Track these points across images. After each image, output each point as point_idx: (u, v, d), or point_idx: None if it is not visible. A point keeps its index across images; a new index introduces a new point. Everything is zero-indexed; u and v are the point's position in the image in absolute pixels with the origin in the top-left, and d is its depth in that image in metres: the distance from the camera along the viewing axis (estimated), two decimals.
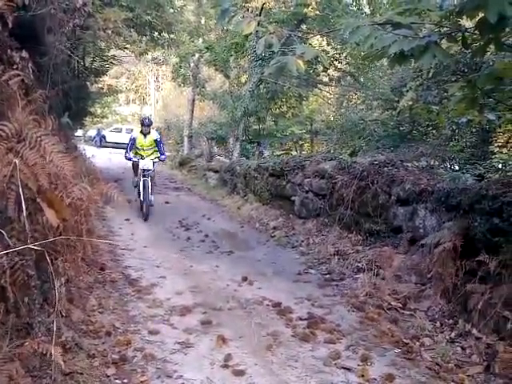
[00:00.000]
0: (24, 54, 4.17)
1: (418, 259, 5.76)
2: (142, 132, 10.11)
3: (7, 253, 2.88)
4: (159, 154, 10.25)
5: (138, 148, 10.16)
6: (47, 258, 3.15)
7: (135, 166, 10.36)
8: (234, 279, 6.15)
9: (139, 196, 9.98)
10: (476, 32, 3.68)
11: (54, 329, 3.21)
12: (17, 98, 3.60)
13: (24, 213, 3.08)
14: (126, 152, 10.12)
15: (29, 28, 4.80)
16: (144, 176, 9.80)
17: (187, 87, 24.06)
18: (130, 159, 10.22)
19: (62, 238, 3.53)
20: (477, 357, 4.04)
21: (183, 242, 8.18)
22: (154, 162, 10.07)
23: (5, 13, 3.72)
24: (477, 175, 8.09)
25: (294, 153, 20.83)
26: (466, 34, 3.83)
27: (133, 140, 10.12)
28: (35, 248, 2.97)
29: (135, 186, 10.44)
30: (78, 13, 6.04)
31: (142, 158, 10.04)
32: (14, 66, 3.96)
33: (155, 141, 10.18)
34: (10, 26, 3.86)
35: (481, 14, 3.32)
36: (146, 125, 10.07)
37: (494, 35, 3.54)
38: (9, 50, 4.05)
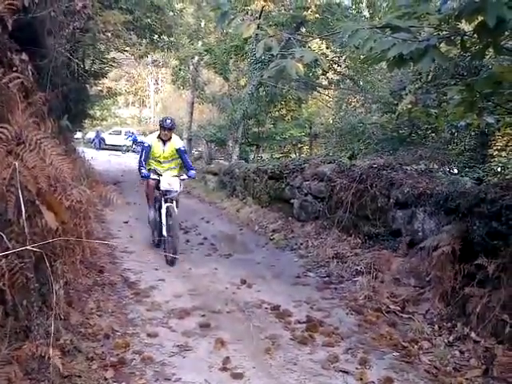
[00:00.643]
0: (24, 56, 4.17)
1: (416, 262, 5.75)
2: (160, 137, 7.36)
3: (6, 255, 2.88)
4: (186, 169, 7.59)
5: (153, 160, 7.49)
6: (46, 260, 3.15)
7: (150, 189, 7.41)
8: (233, 282, 6.15)
9: (161, 232, 7.14)
10: (475, 36, 3.69)
11: (52, 331, 3.20)
12: (17, 101, 3.60)
13: (23, 215, 3.08)
14: (141, 166, 7.27)
15: (28, 30, 4.81)
16: (167, 200, 7.07)
17: (187, 90, 24.13)
18: (146, 177, 7.24)
19: (60, 239, 3.53)
20: (475, 360, 4.03)
21: (182, 245, 8.14)
22: (181, 180, 7.29)
23: (5, 15, 3.72)
24: (476, 178, 8.11)
25: (292, 156, 20.88)
26: (465, 37, 3.84)
27: (147, 148, 7.38)
28: (34, 250, 2.96)
29: (151, 221, 7.64)
30: (78, 15, 6.05)
31: (160, 174, 7.36)
32: (14, 69, 3.97)
33: (178, 150, 7.41)
34: (10, 28, 3.86)
35: (480, 18, 3.33)
36: (167, 128, 7.22)
37: (492, 39, 3.55)
38: (9, 53, 4.06)
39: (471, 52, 4.40)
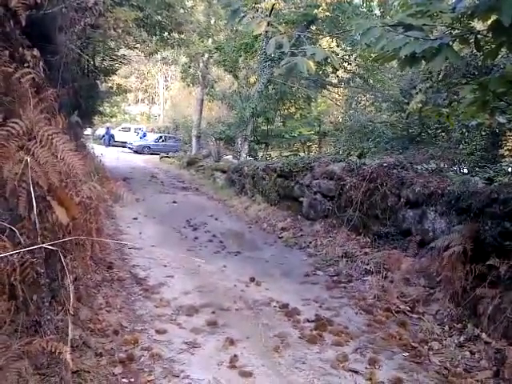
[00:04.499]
0: (35, 52, 4.18)
1: (427, 262, 5.72)
2: None
3: (18, 251, 2.88)
4: None
5: None
6: (57, 256, 3.15)
7: None
8: (242, 280, 6.14)
9: None
10: (488, 34, 3.65)
11: (68, 326, 3.21)
12: (28, 96, 3.60)
13: (35, 211, 3.09)
14: None
15: (40, 27, 4.81)
16: None
17: (196, 87, 24.19)
18: None
19: (72, 238, 3.54)
20: (486, 362, 4.01)
21: (191, 242, 8.18)
22: None
23: (18, 11, 3.73)
24: (486, 178, 8.04)
25: (301, 154, 20.84)
26: (479, 36, 3.81)
27: None
28: (45, 246, 2.97)
29: None
30: (89, 12, 6.05)
31: None
32: (26, 65, 3.97)
33: None
34: (23, 24, 3.87)
35: (494, 17, 3.30)
36: None
37: (507, 38, 3.51)
38: (21, 49, 4.06)
39: (484, 51, 4.36)
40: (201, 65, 22.17)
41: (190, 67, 21.96)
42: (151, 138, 32.75)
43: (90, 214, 4.32)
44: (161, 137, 32.80)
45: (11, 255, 2.84)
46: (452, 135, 10.79)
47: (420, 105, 8.50)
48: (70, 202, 3.60)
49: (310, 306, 5.38)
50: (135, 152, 29.84)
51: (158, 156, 26.14)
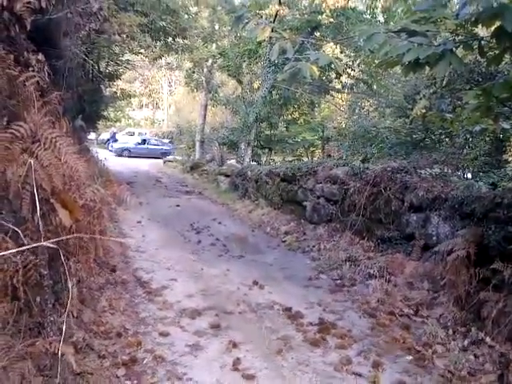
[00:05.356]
0: (40, 56, 4.21)
1: (430, 266, 5.71)
2: None
3: (22, 251, 2.90)
4: None
5: None
6: (60, 258, 3.16)
7: None
8: (245, 283, 6.14)
9: None
10: (492, 40, 3.66)
11: (64, 329, 3.21)
12: (33, 100, 3.63)
13: (38, 213, 3.10)
14: None
15: (45, 31, 4.84)
16: None
17: (200, 92, 24.22)
18: None
19: (75, 236, 3.55)
20: (490, 365, 3.99)
21: (194, 245, 8.18)
22: None
23: (23, 14, 3.76)
24: (490, 183, 8.03)
25: (305, 159, 20.82)
26: (482, 42, 3.81)
27: None
28: (49, 245, 2.98)
29: None
30: (94, 17, 6.09)
31: None
32: (31, 69, 4.00)
33: None
34: (28, 28, 3.90)
35: (497, 23, 3.31)
36: None
37: (510, 44, 3.51)
38: (26, 53, 4.09)
39: (488, 57, 4.37)
40: (205, 70, 22.21)
41: (193, 72, 22.02)
42: (132, 141, 32.57)
43: (94, 216, 4.33)
44: (144, 140, 32.59)
45: (14, 256, 2.86)
46: (456, 140, 10.78)
47: (424, 110, 8.49)
48: (74, 205, 3.62)
49: (313, 309, 5.38)
50: (118, 155, 29.63)
51: (161, 160, 26.19)
